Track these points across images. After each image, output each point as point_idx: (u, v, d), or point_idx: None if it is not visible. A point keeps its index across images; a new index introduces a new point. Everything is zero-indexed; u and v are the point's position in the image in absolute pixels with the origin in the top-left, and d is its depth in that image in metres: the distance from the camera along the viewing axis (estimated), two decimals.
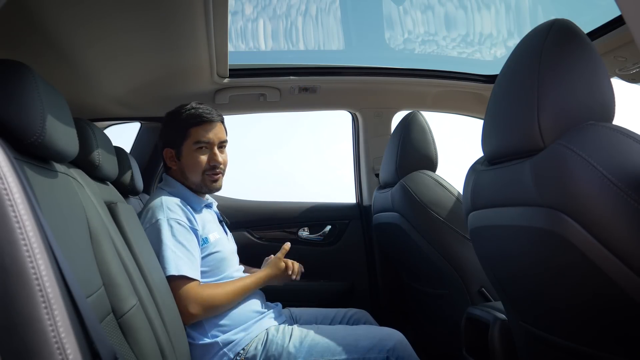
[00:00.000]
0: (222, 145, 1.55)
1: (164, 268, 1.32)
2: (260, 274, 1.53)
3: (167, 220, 1.38)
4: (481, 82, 2.26)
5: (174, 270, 1.32)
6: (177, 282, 1.32)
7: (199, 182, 1.51)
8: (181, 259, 1.34)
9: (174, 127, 1.52)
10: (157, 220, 1.38)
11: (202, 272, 1.42)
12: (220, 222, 1.64)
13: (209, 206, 1.59)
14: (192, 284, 1.34)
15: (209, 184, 1.52)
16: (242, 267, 1.63)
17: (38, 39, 1.20)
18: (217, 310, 1.39)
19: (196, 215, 1.46)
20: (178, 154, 1.52)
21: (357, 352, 1.37)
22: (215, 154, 1.51)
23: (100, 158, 1.23)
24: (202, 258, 1.44)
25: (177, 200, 1.44)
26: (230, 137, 1.63)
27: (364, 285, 2.29)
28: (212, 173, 1.52)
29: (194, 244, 1.40)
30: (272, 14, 2.04)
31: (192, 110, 1.50)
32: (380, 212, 1.91)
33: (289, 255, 2.08)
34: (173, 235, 1.36)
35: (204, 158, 1.50)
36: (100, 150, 1.24)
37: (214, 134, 1.51)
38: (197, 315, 1.35)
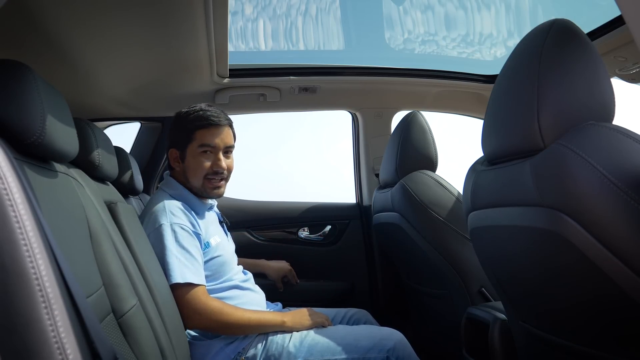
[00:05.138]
0: (228, 150, 1.52)
1: (168, 275, 1.31)
2: (283, 316, 1.43)
3: (171, 225, 1.36)
4: (481, 82, 2.26)
5: (179, 278, 1.31)
6: (182, 289, 1.31)
7: (200, 186, 1.48)
8: (186, 265, 1.33)
9: (180, 128, 1.50)
10: (161, 226, 1.36)
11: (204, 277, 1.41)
12: (220, 222, 1.64)
13: (210, 208, 1.58)
14: (197, 290, 1.33)
15: (209, 190, 1.49)
16: (241, 267, 1.63)
17: (38, 38, 1.20)
18: (220, 324, 1.35)
19: (198, 219, 1.45)
20: (182, 156, 1.50)
21: (357, 352, 1.37)
22: (219, 159, 1.48)
23: (100, 158, 1.23)
24: (204, 263, 1.43)
25: (179, 203, 1.43)
26: None
27: (364, 285, 2.29)
28: (214, 179, 1.48)
29: (197, 248, 1.39)
30: (272, 14, 2.04)
31: (200, 113, 1.47)
32: (380, 212, 1.91)
33: (288, 256, 2.09)
34: (177, 240, 1.35)
35: (207, 162, 1.47)
36: (100, 150, 1.24)
37: (220, 139, 1.48)
38: (200, 323, 1.34)
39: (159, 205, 1.41)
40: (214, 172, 1.48)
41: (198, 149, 1.47)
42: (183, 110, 1.53)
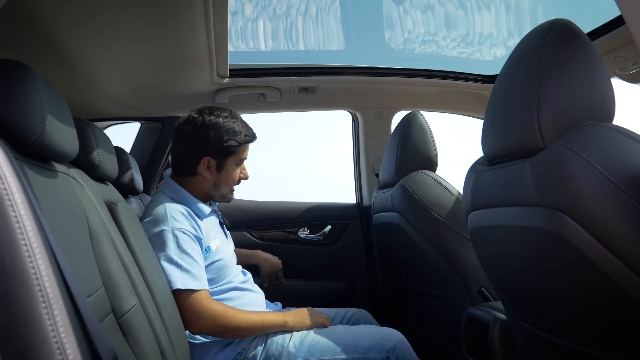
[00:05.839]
0: None
1: (169, 281, 1.30)
2: (285, 316, 1.44)
3: (172, 230, 1.35)
4: (481, 82, 2.26)
5: (180, 284, 1.31)
6: (183, 295, 1.31)
7: (226, 193, 1.55)
8: (187, 271, 1.33)
9: (223, 140, 1.46)
10: (162, 231, 1.35)
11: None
12: (220, 224, 1.64)
13: (212, 211, 1.58)
14: (199, 295, 1.33)
15: (229, 196, 1.58)
16: (240, 268, 1.63)
17: (38, 38, 1.20)
18: (224, 328, 1.34)
19: (200, 223, 1.44)
20: (220, 166, 1.50)
21: (357, 352, 1.37)
22: (244, 169, 1.58)
23: (100, 158, 1.23)
24: (205, 267, 1.42)
25: (181, 207, 1.41)
26: None
27: (364, 285, 2.29)
28: (234, 187, 1.58)
29: (198, 252, 1.39)
30: (272, 14, 2.04)
31: (244, 127, 1.52)
32: (380, 212, 1.91)
33: (288, 255, 2.09)
34: (178, 245, 1.34)
35: (237, 173, 1.55)
36: (100, 150, 1.24)
37: (248, 152, 1.57)
38: (204, 327, 1.33)
39: (160, 210, 1.39)
40: (238, 182, 1.57)
41: (236, 162, 1.53)
42: (219, 119, 1.46)
